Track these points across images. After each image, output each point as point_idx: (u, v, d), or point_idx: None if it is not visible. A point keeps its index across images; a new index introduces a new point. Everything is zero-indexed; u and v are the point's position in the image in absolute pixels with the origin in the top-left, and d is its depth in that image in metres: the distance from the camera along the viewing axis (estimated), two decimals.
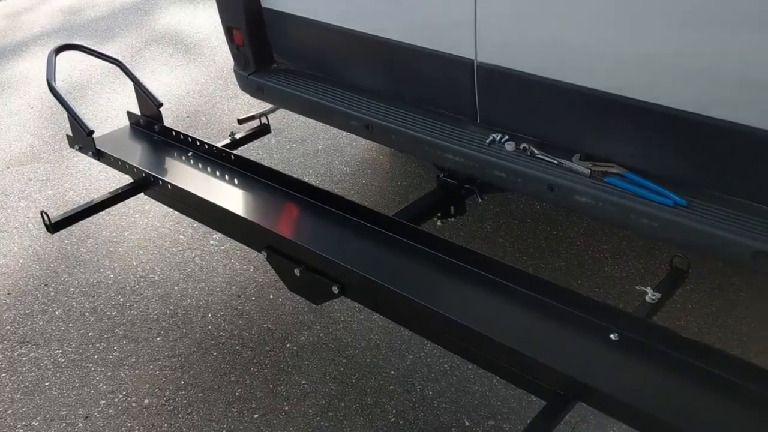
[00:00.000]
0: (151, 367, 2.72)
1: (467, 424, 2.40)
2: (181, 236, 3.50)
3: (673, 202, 2.08)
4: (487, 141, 2.49)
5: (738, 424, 1.51)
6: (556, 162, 2.33)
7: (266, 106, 3.26)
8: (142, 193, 2.75)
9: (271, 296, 3.06)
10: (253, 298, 3.05)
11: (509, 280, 1.97)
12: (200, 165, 2.71)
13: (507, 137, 2.49)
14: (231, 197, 2.47)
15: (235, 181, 2.59)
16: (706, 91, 1.96)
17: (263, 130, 3.11)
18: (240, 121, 3.23)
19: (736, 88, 1.90)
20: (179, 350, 2.79)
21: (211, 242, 3.44)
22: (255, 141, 4.13)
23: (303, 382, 2.61)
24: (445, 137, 2.56)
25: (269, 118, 3.19)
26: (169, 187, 2.54)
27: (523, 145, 2.43)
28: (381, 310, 2.13)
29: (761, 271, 1.93)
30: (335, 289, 2.10)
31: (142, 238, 3.50)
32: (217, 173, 2.64)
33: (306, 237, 2.22)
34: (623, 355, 1.73)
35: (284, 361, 2.71)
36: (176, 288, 3.14)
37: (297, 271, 2.18)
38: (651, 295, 1.99)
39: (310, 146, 4.27)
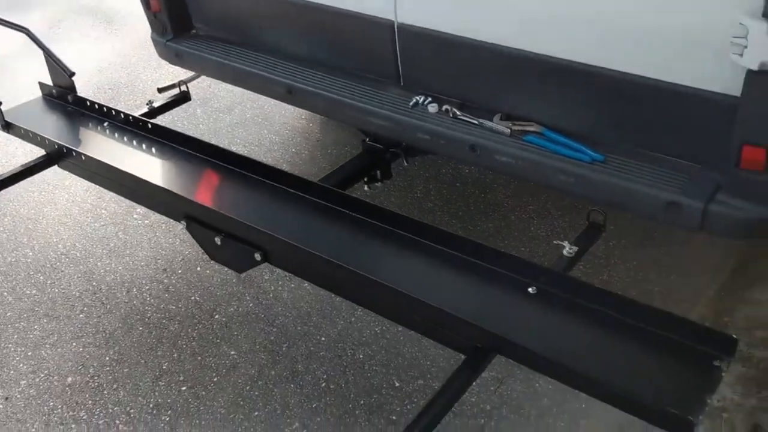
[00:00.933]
0: (74, 344, 2.64)
1: (397, 384, 2.42)
2: (103, 211, 3.39)
3: (590, 157, 2.12)
4: (411, 104, 2.47)
5: (654, 370, 1.56)
6: (477, 123, 2.33)
7: (190, 74, 3.17)
8: (56, 166, 2.63)
9: (198, 269, 3.00)
10: (180, 272, 2.99)
11: (429, 239, 1.97)
12: (116, 135, 2.62)
13: (430, 99, 2.48)
14: (148, 167, 2.40)
15: (153, 150, 2.51)
16: (616, 46, 1.99)
17: (183, 98, 3.02)
18: (160, 90, 3.14)
19: (642, 42, 1.93)
20: (103, 327, 2.72)
21: (135, 216, 3.34)
22: (180, 112, 4.04)
23: (232, 352, 2.58)
24: (368, 100, 2.54)
25: (190, 87, 3.10)
26: (83, 158, 2.45)
27: (446, 106, 2.43)
28: (305, 276, 2.12)
29: (673, 222, 1.98)
30: (258, 256, 2.07)
31: (62, 215, 3.38)
32: (134, 143, 2.56)
33: (226, 204, 2.17)
34: (541, 307, 1.76)
35: (213, 332, 2.67)
36: (99, 264, 3.05)
37: (218, 240, 2.14)
38: (568, 249, 2.02)
39: (237, 115, 4.18)
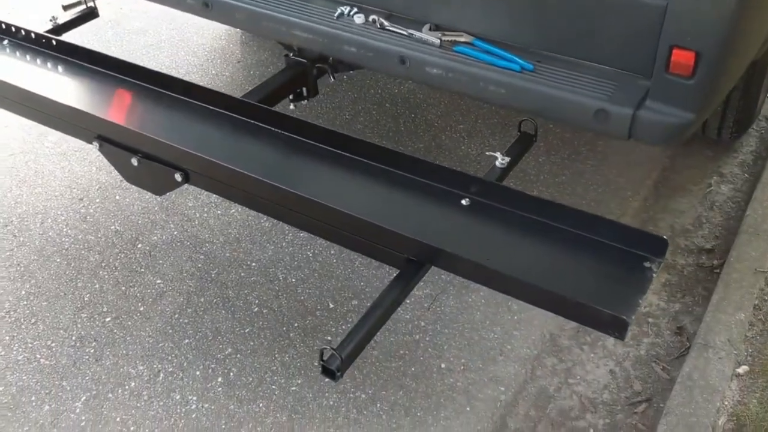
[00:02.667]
0: None
1: (331, 306, 2.38)
2: (11, 140, 3.17)
3: (520, 67, 2.07)
4: (335, 14, 2.35)
5: (586, 273, 1.56)
6: (406, 33, 2.24)
7: None
8: None
9: (117, 197, 2.85)
10: (98, 200, 2.83)
11: (360, 154, 1.91)
12: (18, 54, 2.40)
13: (356, 10, 2.36)
14: (55, 87, 2.21)
15: (60, 69, 2.32)
16: None
17: (90, 14, 2.79)
18: (65, 8, 2.89)
19: None
20: (17, 260, 2.56)
21: (46, 144, 3.14)
22: (90, 35, 3.78)
23: (158, 281, 2.48)
24: (291, 12, 2.40)
25: (99, 7, 2.87)
26: None
27: (373, 17, 2.32)
28: (230, 196, 2.02)
29: (602, 130, 1.97)
30: (178, 177, 1.95)
31: None
32: (38, 62, 2.36)
33: (142, 123, 2.04)
34: (474, 218, 1.73)
35: (136, 262, 2.56)
36: (9, 195, 2.86)
37: (134, 161, 2.01)
38: (501, 159, 2.00)
39: (152, 37, 3.95)
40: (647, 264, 1.57)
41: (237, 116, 2.07)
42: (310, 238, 2.63)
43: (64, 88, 2.22)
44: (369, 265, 2.52)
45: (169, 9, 2.60)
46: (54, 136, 3.14)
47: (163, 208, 2.79)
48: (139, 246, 2.62)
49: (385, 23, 2.29)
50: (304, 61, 2.56)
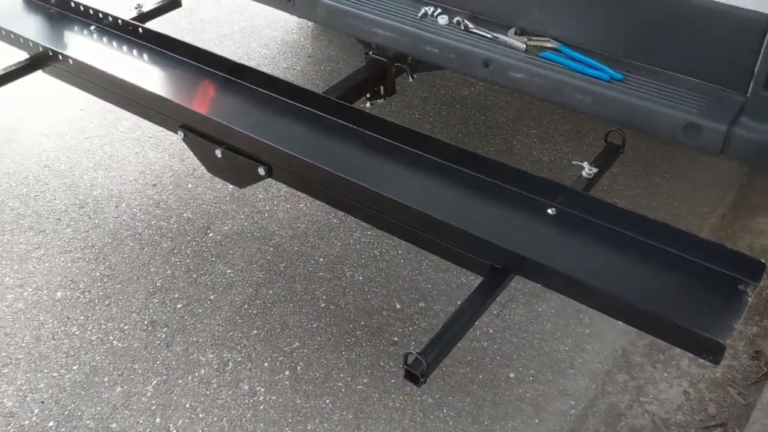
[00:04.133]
0: (62, 259, 2.55)
1: (398, 306, 2.38)
2: (87, 123, 3.24)
3: (609, 76, 2.03)
4: (419, 14, 2.34)
5: (679, 293, 1.52)
6: (491, 37, 2.22)
7: None
8: (41, 71, 2.47)
9: (190, 185, 2.89)
10: (170, 187, 2.88)
11: (445, 157, 1.89)
12: (105, 40, 2.45)
13: (440, 10, 2.35)
14: (140, 73, 2.25)
15: (145, 56, 2.36)
16: None
17: (173, 3, 2.84)
18: None
19: None
20: (92, 241, 2.62)
21: (121, 129, 3.20)
22: (164, 23, 3.81)
23: (228, 271, 2.51)
24: (374, 10, 2.40)
25: None
26: (71, 62, 2.29)
27: (457, 18, 2.30)
28: (311, 192, 2.02)
29: (692, 145, 1.92)
30: (261, 171, 1.97)
31: (44, 126, 3.22)
32: (124, 48, 2.40)
33: (228, 115, 2.05)
34: (561, 228, 1.70)
35: (207, 250, 2.59)
36: (85, 177, 2.93)
37: (218, 152, 2.03)
38: (588, 169, 1.96)
39: (225, 27, 3.99)
40: (742, 287, 1.52)
41: (319, 113, 2.07)
42: (377, 236, 2.63)
43: (150, 75, 2.25)
44: (436, 268, 2.51)
45: (241, 0, 2.62)
46: (128, 121, 3.20)
47: (234, 198, 2.82)
48: (211, 235, 2.66)
49: (470, 25, 2.27)
50: (384, 59, 2.55)
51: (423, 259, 2.53)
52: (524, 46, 2.17)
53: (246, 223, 2.71)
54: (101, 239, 2.63)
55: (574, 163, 1.98)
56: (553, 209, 1.73)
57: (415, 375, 1.42)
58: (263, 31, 3.97)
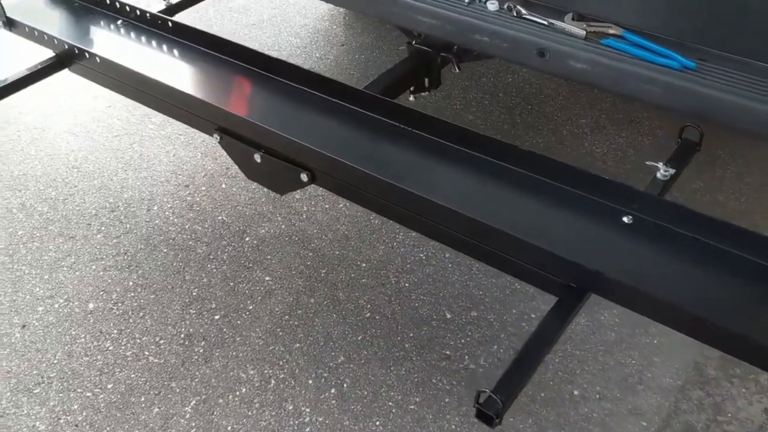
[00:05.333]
0: (93, 267, 2.43)
1: (448, 316, 2.22)
2: (115, 120, 3.12)
3: (680, 64, 1.84)
4: (466, 0, 2.17)
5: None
6: (546, 23, 2.03)
7: None
8: (67, 70, 2.34)
9: (224, 185, 2.76)
10: (204, 188, 2.75)
11: (504, 159, 1.73)
12: (133, 35, 2.31)
13: None
14: (172, 71, 2.11)
15: (176, 52, 2.21)
16: None
17: None
18: None
19: None
20: (124, 248, 2.50)
21: (150, 126, 3.07)
22: (191, 12, 3.68)
23: (267, 278, 2.37)
24: None
25: None
26: (98, 60, 2.15)
27: (508, 3, 2.12)
28: (359, 200, 1.86)
29: None
30: (304, 177, 1.82)
31: (71, 124, 3.10)
32: (154, 44, 2.25)
33: (266, 116, 1.90)
34: (639, 238, 1.53)
35: (244, 256, 2.46)
36: (114, 178, 2.80)
37: (257, 157, 1.88)
38: (663, 171, 1.78)
39: (253, 16, 3.84)
40: None
41: (364, 111, 1.92)
42: (422, 239, 2.48)
43: (182, 73, 2.11)
44: (488, 273, 2.35)
45: None
46: (158, 117, 3.08)
47: (270, 199, 2.68)
48: (247, 239, 2.52)
49: (523, 11, 2.08)
50: (428, 49, 2.38)
51: (473, 264, 2.37)
52: (584, 32, 1.98)
53: (283, 226, 2.57)
54: (133, 245, 2.51)
55: (647, 163, 1.81)
56: (629, 217, 1.55)
57: (488, 415, 1.27)
58: (294, 18, 3.81)
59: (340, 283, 2.34)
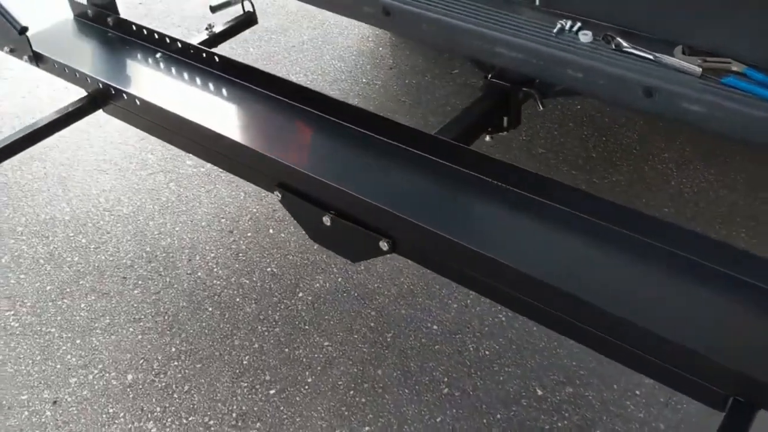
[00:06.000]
0: (130, 330, 2.17)
1: (539, 392, 1.94)
2: (149, 155, 2.86)
3: None
4: (554, 30, 1.88)
5: None
6: (652, 58, 1.75)
7: None
8: (101, 111, 2.09)
9: (271, 230, 2.49)
10: (249, 234, 2.48)
11: (626, 226, 1.44)
12: (174, 71, 2.05)
13: (579, 25, 1.89)
14: (223, 116, 1.85)
15: (225, 92, 1.95)
16: None
17: (248, 21, 2.42)
18: (213, 9, 2.52)
19: None
20: (165, 306, 2.24)
21: (188, 162, 2.81)
22: None
23: (326, 343, 2.10)
24: (496, 26, 1.95)
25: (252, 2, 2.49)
26: (138, 102, 1.90)
27: (606, 35, 1.83)
28: (453, 276, 1.58)
29: None
30: (384, 246, 1.54)
31: (100, 159, 2.85)
32: (200, 82, 1.99)
33: (337, 171, 1.63)
34: None
35: (298, 315, 2.19)
36: (151, 223, 2.55)
37: (327, 220, 1.61)
38: None
39: (293, 37, 3.57)
40: None
41: (446, 163, 1.64)
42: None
43: (235, 119, 1.85)
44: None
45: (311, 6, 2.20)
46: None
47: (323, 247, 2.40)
48: (300, 295, 2.25)
49: (623, 43, 1.80)
50: (508, 84, 2.10)
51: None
52: (699, 69, 1.70)
53: (340, 279, 2.30)
54: (175, 303, 2.24)
55: None
56: None
57: None
58: (336, 39, 3.54)
59: (411, 351, 2.06)
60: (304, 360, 2.05)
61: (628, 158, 2.68)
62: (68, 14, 2.36)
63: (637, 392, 1.91)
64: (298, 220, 1.72)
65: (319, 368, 2.03)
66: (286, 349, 2.09)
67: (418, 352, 2.06)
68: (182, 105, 1.87)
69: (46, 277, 2.36)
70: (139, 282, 2.32)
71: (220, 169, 2.70)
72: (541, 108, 2.16)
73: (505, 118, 2.12)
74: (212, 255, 2.41)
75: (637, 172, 2.62)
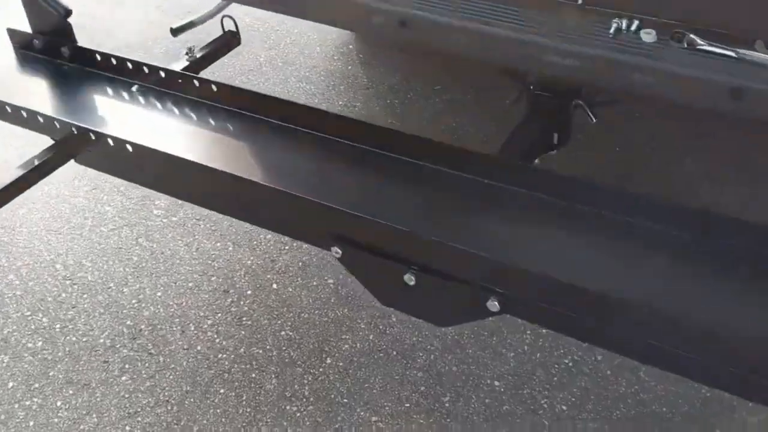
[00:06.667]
0: (127, 428, 1.75)
1: None
2: (107, 207, 2.43)
3: None
4: (611, 31, 1.63)
5: None
6: (734, 54, 1.52)
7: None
8: (73, 161, 1.68)
9: (275, 286, 2.12)
10: (250, 293, 2.10)
11: None
12: (162, 105, 1.68)
13: (638, 23, 1.65)
14: (243, 158, 1.49)
15: (230, 127, 1.60)
16: None
17: (232, 41, 2.06)
18: (174, 31, 2.15)
19: None
20: (164, 393, 1.83)
21: (156, 212, 2.39)
22: (174, 55, 3.03)
23: (374, 418, 1.75)
24: (545, 32, 1.69)
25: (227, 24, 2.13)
26: (130, 148, 1.50)
27: (677, 31, 1.60)
28: (579, 333, 1.28)
29: None
30: (492, 305, 1.23)
31: (48, 218, 2.39)
32: (197, 116, 1.63)
33: (416, 216, 1.31)
34: None
35: (332, 387, 1.83)
36: (126, 290, 2.12)
37: (410, 278, 1.28)
38: None
39: (249, 59, 3.19)
40: None
41: (549, 197, 1.36)
42: (557, 338, 1.92)
43: (260, 159, 1.49)
44: (659, 377, 1.81)
45: (258, 20, 1.87)
46: (163, 200, 2.41)
47: (341, 297, 2.06)
48: (329, 361, 1.89)
49: (697, 40, 1.57)
50: (556, 98, 1.84)
51: (636, 366, 1.83)
52: None
53: (371, 336, 1.96)
54: (176, 388, 1.84)
55: None
56: None
57: None
58: (297, 59, 3.19)
59: (476, 416, 1.75)
60: None
61: (683, 179, 2.45)
62: (5, 46, 1.93)
63: None
64: (366, 282, 1.38)
65: None
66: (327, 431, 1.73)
67: (485, 417, 1.75)
68: (187, 147, 1.50)
69: (5, 371, 1.90)
70: (127, 365, 1.90)
71: (195, 215, 2.32)
72: (594, 120, 1.91)
73: (556, 135, 1.86)
74: (209, 322, 2.01)
75: (696, 197, 2.41)
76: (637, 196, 1.31)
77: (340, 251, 1.34)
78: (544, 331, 1.94)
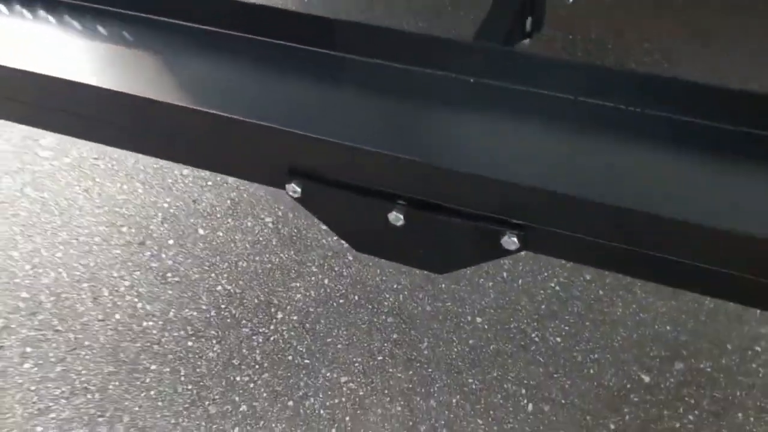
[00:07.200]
0: (39, 430, 1.41)
1: (647, 379, 1.47)
2: None
3: None
4: None
5: None
6: None
7: None
8: None
9: (201, 231, 1.77)
10: (171, 242, 1.74)
11: None
12: (29, 14, 1.25)
13: None
14: (150, 75, 1.12)
15: (127, 36, 1.21)
16: None
17: None
18: None
19: None
20: (81, 378, 1.48)
21: (43, 154, 1.96)
22: None
23: (343, 379, 1.48)
24: None
25: None
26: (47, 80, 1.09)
27: None
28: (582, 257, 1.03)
29: None
30: (510, 241, 0.95)
31: None
32: (78, 26, 1.22)
33: (382, 135, 1.00)
34: None
35: (288, 347, 1.53)
36: (15, 255, 1.72)
37: (397, 218, 0.98)
38: None
39: None
40: None
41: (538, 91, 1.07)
42: (536, 256, 1.69)
43: (174, 77, 1.12)
44: (657, 292, 1.61)
45: None
46: (50, 138, 1.98)
47: (283, 238, 1.74)
48: (280, 315, 1.59)
49: None
50: None
51: (632, 282, 1.62)
52: None
53: (326, 280, 1.66)
54: (95, 370, 1.50)
55: None
56: None
57: None
58: None
59: (461, 361, 1.50)
60: (323, 413, 1.43)
61: None
62: None
63: (757, 348, 1.50)
64: (335, 226, 1.06)
65: (347, 419, 1.42)
66: (290, 402, 1.44)
67: (470, 361, 1.51)
68: (77, 67, 1.11)
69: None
70: (28, 349, 1.52)
71: (93, 154, 1.93)
72: (570, 1, 1.62)
73: (529, 20, 1.56)
74: (127, 284, 1.66)
75: None
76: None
77: (298, 189, 1.01)
78: (523, 252, 1.69)
